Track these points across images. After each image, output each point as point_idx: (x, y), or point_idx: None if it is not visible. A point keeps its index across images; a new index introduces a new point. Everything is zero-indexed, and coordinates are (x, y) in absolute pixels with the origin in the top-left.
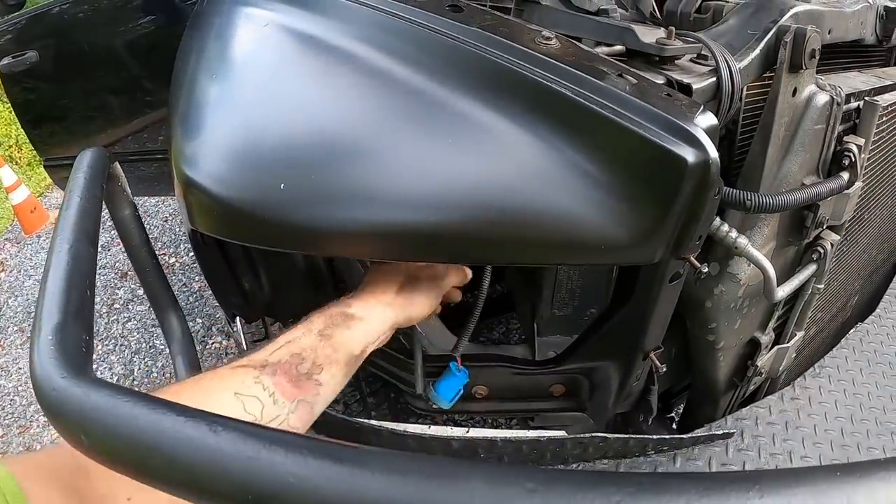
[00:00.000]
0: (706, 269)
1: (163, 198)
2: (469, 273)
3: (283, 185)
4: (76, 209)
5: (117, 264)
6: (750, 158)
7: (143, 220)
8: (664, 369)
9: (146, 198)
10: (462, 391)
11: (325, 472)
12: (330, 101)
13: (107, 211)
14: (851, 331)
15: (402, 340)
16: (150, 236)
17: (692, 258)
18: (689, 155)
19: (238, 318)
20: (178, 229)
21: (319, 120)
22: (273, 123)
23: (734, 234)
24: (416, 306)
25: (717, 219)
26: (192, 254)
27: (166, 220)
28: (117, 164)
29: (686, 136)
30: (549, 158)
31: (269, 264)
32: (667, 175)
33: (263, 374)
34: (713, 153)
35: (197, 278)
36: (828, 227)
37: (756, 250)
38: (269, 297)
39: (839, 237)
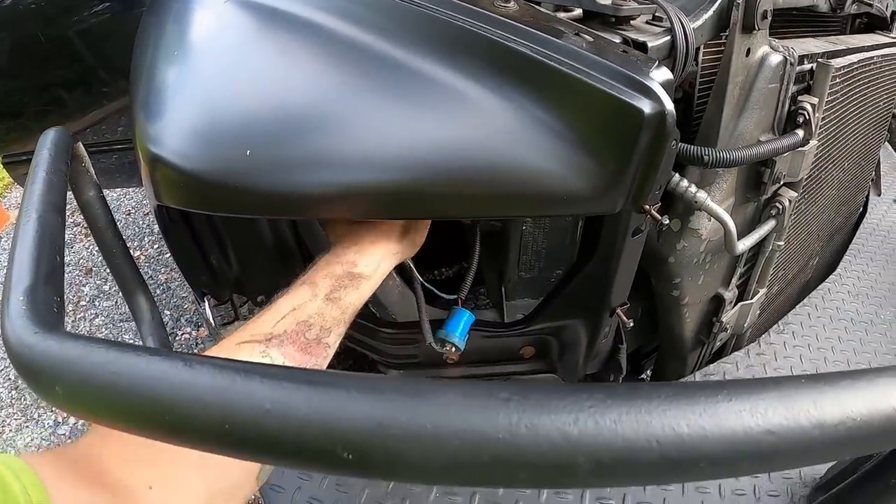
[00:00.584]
0: (667, 221)
1: (125, 191)
2: None
3: (249, 152)
4: (42, 182)
5: (81, 261)
6: (706, 117)
7: (119, 228)
8: (631, 325)
9: (107, 191)
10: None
11: (302, 396)
12: (291, 68)
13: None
14: (814, 290)
15: (370, 308)
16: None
17: (653, 211)
18: (646, 106)
19: (207, 298)
20: (141, 222)
21: (282, 86)
22: (236, 93)
23: (693, 189)
24: (417, 242)
25: (677, 175)
26: (157, 246)
27: (129, 214)
28: (80, 144)
29: (642, 88)
30: (513, 115)
31: (236, 239)
32: (625, 126)
33: (270, 348)
34: (669, 105)
35: (163, 270)
36: (785, 185)
37: (715, 204)
38: (238, 273)
39: (797, 194)
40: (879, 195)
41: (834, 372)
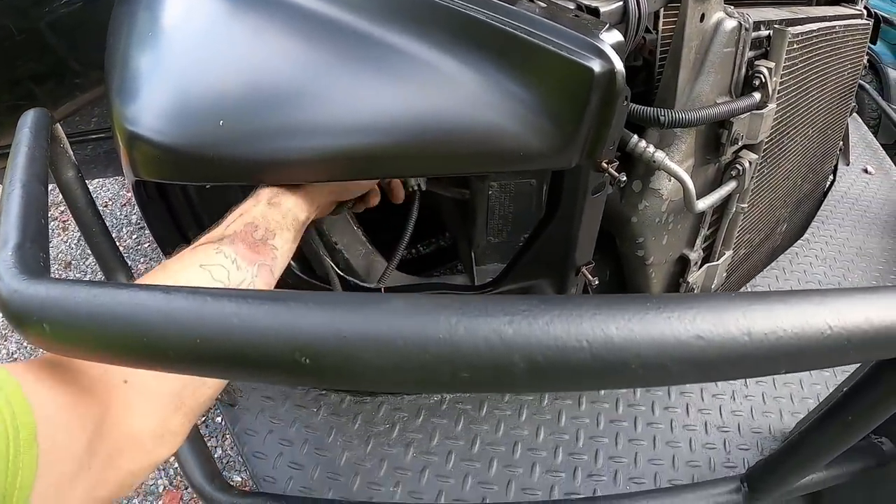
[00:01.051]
0: (624, 179)
1: (101, 183)
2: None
3: (222, 122)
4: (24, 157)
5: (60, 255)
6: (663, 81)
7: (98, 208)
8: (597, 283)
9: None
10: None
11: (263, 310)
12: (258, 41)
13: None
14: (782, 254)
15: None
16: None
17: (611, 169)
18: (596, 66)
19: None
20: (118, 213)
21: (250, 59)
22: (206, 68)
23: (651, 149)
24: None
25: (635, 136)
26: (135, 236)
27: (105, 206)
28: (59, 125)
29: (592, 49)
30: (471, 78)
31: (212, 214)
32: (576, 85)
33: (223, 245)
34: (619, 64)
35: (142, 259)
36: (746, 147)
37: (673, 164)
38: None
39: (757, 156)
40: (848, 164)
41: (770, 291)
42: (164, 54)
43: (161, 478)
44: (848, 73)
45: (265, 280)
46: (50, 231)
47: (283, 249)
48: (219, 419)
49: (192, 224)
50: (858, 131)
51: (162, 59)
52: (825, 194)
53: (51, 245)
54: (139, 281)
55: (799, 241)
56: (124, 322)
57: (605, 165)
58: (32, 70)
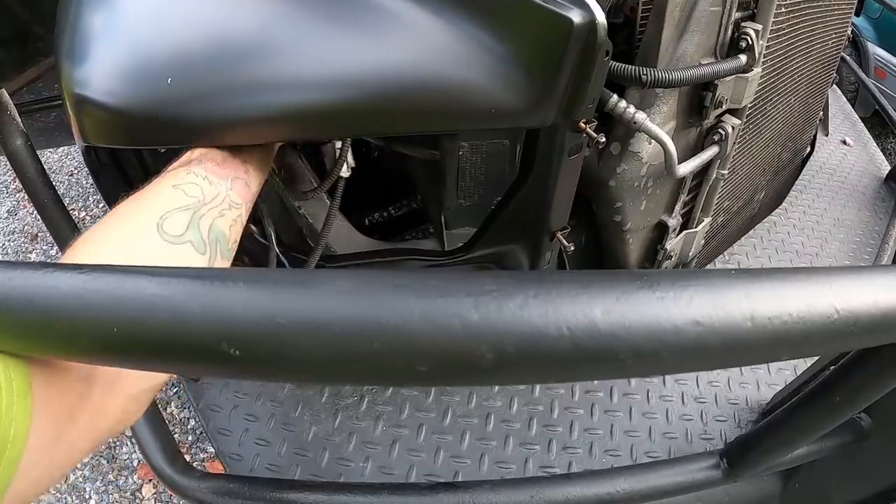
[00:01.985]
0: (603, 140)
1: (66, 151)
2: None
3: (170, 80)
4: None
5: (26, 227)
6: (646, 38)
7: (50, 177)
8: (572, 249)
9: (49, 152)
10: None
11: (184, 290)
12: None
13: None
14: (760, 223)
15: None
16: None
17: (589, 129)
18: (576, 16)
19: None
20: (85, 182)
21: (199, 13)
22: (153, 25)
23: (632, 109)
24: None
25: (615, 96)
26: (102, 205)
27: (72, 175)
28: (3, 91)
29: None
30: (441, 29)
31: None
32: (554, 37)
33: (191, 167)
34: (600, 15)
35: None
36: (729, 112)
37: (655, 126)
38: None
39: (741, 122)
40: (827, 135)
41: (771, 268)
42: (109, 13)
43: (135, 451)
44: (832, 43)
45: (241, 193)
46: (15, 203)
47: (254, 163)
48: None
49: None
50: (837, 102)
51: (108, 18)
52: (803, 164)
53: (17, 217)
54: (119, 204)
55: (777, 211)
56: (34, 309)
57: (583, 125)
58: None
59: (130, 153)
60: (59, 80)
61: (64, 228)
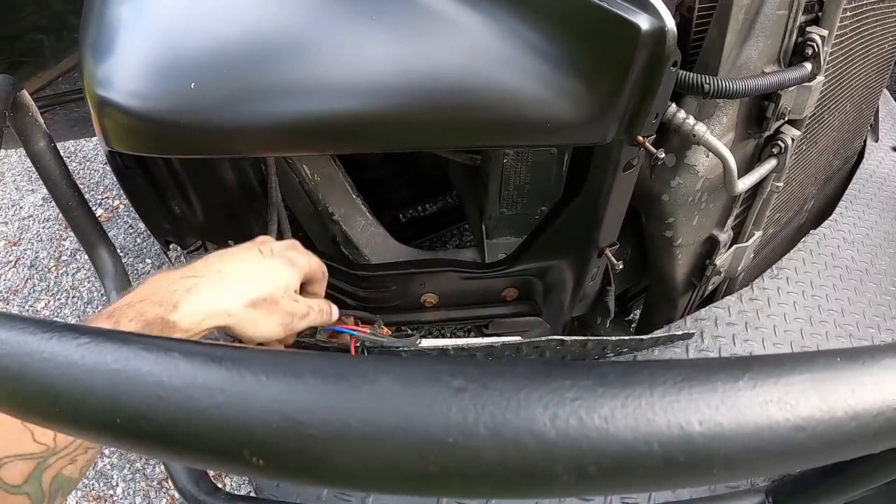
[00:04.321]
0: (662, 156)
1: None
2: (335, 315)
3: (194, 85)
4: None
5: (60, 216)
6: (707, 44)
7: (84, 165)
8: (621, 266)
9: (84, 141)
10: None
11: (201, 379)
12: None
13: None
14: (808, 235)
15: (343, 250)
16: (92, 181)
17: (647, 143)
18: (643, 22)
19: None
20: None
21: (233, 11)
22: (182, 23)
23: (692, 121)
24: (257, 331)
25: (673, 105)
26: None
27: (106, 163)
28: (25, 92)
29: (639, 2)
30: (490, 31)
31: (197, 183)
32: (619, 44)
33: None
34: (669, 22)
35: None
36: (788, 122)
37: (715, 139)
38: (202, 219)
39: (800, 133)
40: (877, 141)
41: (870, 347)
42: (139, 7)
43: None
44: (888, 46)
45: None
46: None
47: None
48: None
49: (174, 193)
50: (887, 106)
51: (136, 13)
52: (853, 172)
53: (51, 205)
54: None
55: (826, 222)
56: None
57: (642, 139)
58: (32, 24)
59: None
60: (82, 79)
61: (90, 232)
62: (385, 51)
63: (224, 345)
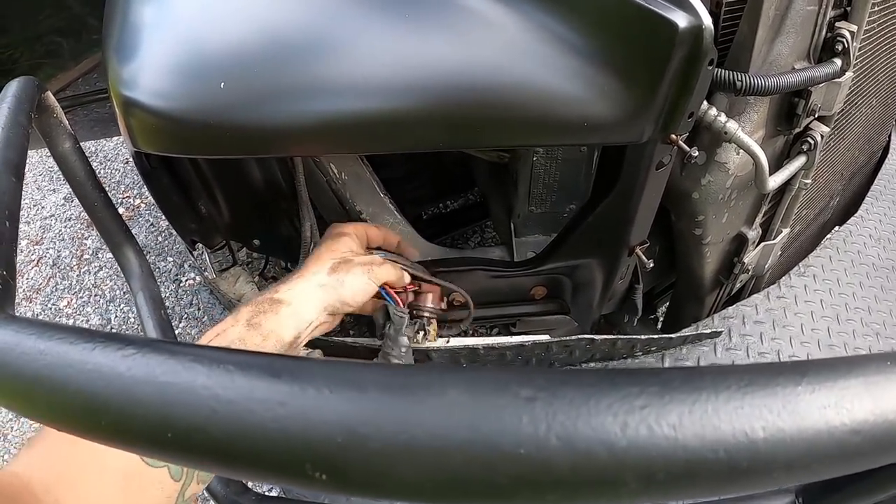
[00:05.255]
0: (696, 154)
1: (120, 139)
2: (407, 277)
3: (223, 85)
4: None
5: (83, 215)
6: (738, 39)
7: (105, 165)
8: (651, 265)
9: (104, 141)
10: None
11: (256, 395)
12: None
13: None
14: (835, 231)
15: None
16: (113, 180)
17: (681, 142)
18: (681, 20)
19: (201, 247)
20: None
21: (258, 8)
22: (207, 22)
23: (723, 118)
24: (349, 289)
25: (705, 102)
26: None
27: (127, 163)
28: (50, 94)
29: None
30: (524, 28)
31: (223, 182)
32: (656, 43)
33: None
34: (706, 19)
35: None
36: (818, 118)
37: (746, 136)
38: (229, 218)
39: (829, 129)
40: None
41: None
42: (159, 10)
43: None
44: None
45: None
46: (72, 192)
47: None
48: None
49: (201, 193)
50: None
51: (160, 11)
52: (879, 166)
53: (73, 204)
54: None
55: (852, 219)
56: (69, 392)
57: (675, 137)
58: (51, 26)
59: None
60: (106, 79)
61: (115, 232)
62: (418, 49)
63: (282, 356)
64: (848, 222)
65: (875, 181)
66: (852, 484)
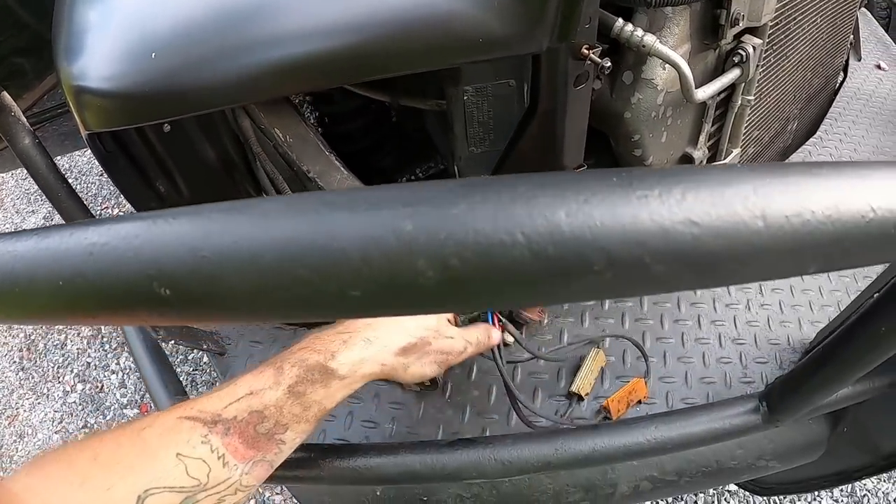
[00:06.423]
0: (608, 64)
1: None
2: (495, 339)
3: (154, 55)
4: None
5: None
6: None
7: (80, 179)
8: None
9: (77, 156)
10: None
11: (125, 233)
12: None
13: None
14: (794, 154)
15: None
16: (90, 193)
17: (592, 55)
18: None
19: None
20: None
21: None
22: (136, 13)
23: (640, 32)
24: (411, 375)
25: (620, 20)
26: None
27: (102, 175)
28: (5, 93)
29: None
30: None
31: (177, 159)
32: None
33: (213, 434)
34: None
35: None
36: (748, 32)
37: (666, 48)
38: (188, 195)
39: (762, 41)
40: (860, 60)
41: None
42: (97, 8)
43: None
44: None
45: (258, 476)
46: (50, 209)
47: (292, 443)
48: None
49: (158, 173)
50: (869, 26)
51: (96, 13)
52: (837, 91)
53: (51, 222)
54: (107, 436)
55: (811, 139)
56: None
57: (586, 51)
58: (11, 47)
59: (135, 136)
60: (59, 82)
61: (80, 219)
62: None
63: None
64: (807, 143)
65: (834, 103)
66: (812, 377)
